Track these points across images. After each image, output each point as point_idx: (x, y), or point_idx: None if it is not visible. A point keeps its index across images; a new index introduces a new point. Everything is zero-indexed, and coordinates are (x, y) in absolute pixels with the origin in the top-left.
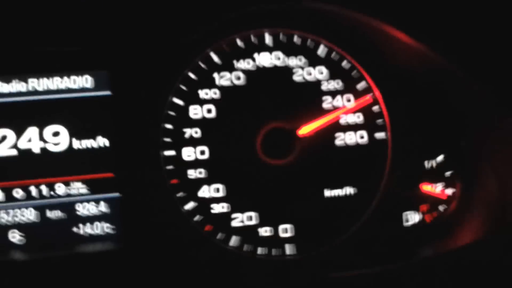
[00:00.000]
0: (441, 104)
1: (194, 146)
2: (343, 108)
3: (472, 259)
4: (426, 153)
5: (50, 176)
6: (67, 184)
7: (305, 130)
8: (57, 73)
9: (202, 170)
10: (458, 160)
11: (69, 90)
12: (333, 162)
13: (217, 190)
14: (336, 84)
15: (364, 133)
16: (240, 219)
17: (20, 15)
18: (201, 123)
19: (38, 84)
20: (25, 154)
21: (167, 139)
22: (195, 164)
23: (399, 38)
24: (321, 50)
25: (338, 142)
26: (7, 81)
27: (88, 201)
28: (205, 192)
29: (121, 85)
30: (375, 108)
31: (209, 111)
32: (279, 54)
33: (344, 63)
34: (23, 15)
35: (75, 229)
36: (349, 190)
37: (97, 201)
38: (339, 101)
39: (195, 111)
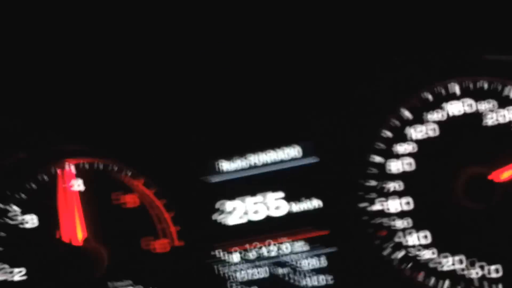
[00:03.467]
0: None
1: (399, 198)
2: None
3: None
4: None
5: (276, 238)
6: (291, 243)
7: (506, 175)
8: (271, 148)
9: (409, 219)
10: None
11: (282, 161)
12: None
13: (425, 237)
14: None
15: None
16: (449, 263)
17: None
18: (403, 176)
19: (257, 159)
20: (253, 220)
21: (373, 195)
22: (401, 215)
23: None
24: (510, 91)
25: None
26: (231, 159)
27: (310, 256)
28: (412, 240)
29: (325, 151)
30: None
31: (409, 164)
32: (468, 100)
33: None
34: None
35: (299, 283)
36: None
37: (317, 256)
38: None
39: (396, 166)
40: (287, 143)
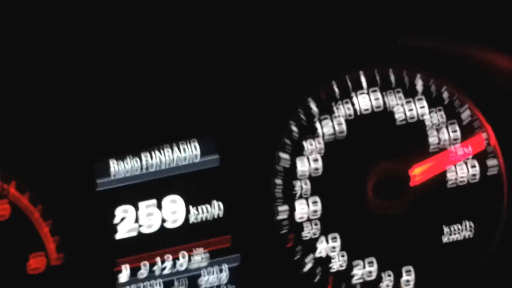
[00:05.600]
0: None
1: (306, 198)
2: (453, 145)
3: None
4: None
5: (172, 246)
6: (189, 252)
7: (417, 171)
8: (167, 144)
9: (317, 222)
10: None
11: (179, 160)
12: (447, 200)
13: (334, 242)
14: (439, 117)
15: (475, 162)
16: (359, 267)
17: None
18: (310, 175)
19: (150, 159)
20: (147, 228)
21: (278, 194)
22: (309, 218)
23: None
24: (419, 83)
25: (449, 175)
26: (122, 159)
27: (210, 272)
28: (322, 246)
29: (227, 147)
30: (484, 135)
31: (317, 162)
32: (377, 93)
33: (445, 94)
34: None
35: None
36: (465, 234)
37: (218, 268)
38: (445, 133)
39: (304, 164)
40: (185, 138)
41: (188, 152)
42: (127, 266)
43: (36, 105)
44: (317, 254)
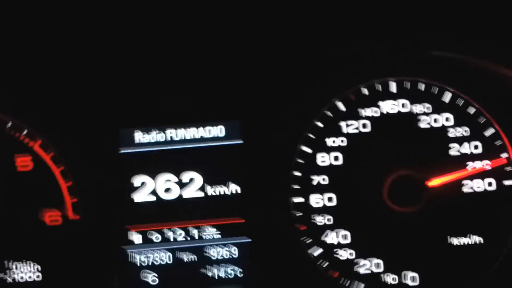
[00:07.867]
0: None
1: (322, 193)
2: (473, 159)
3: None
4: None
5: (184, 220)
6: (199, 228)
7: (435, 182)
8: (193, 124)
9: (329, 216)
10: None
11: (202, 139)
12: (460, 210)
13: (344, 236)
14: (463, 131)
15: (492, 180)
16: (365, 266)
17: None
18: (329, 170)
19: (175, 134)
20: (162, 199)
21: (296, 186)
22: (322, 210)
23: None
24: (446, 97)
25: (465, 189)
26: (148, 131)
27: (218, 244)
28: (331, 238)
29: (252, 134)
30: (504, 155)
31: (336, 158)
32: (404, 101)
33: (470, 109)
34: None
35: (204, 271)
36: (476, 239)
37: (227, 245)
38: (466, 148)
39: (323, 159)
40: (211, 120)
41: (213, 134)
42: (141, 230)
43: (74, 74)
44: (326, 240)
